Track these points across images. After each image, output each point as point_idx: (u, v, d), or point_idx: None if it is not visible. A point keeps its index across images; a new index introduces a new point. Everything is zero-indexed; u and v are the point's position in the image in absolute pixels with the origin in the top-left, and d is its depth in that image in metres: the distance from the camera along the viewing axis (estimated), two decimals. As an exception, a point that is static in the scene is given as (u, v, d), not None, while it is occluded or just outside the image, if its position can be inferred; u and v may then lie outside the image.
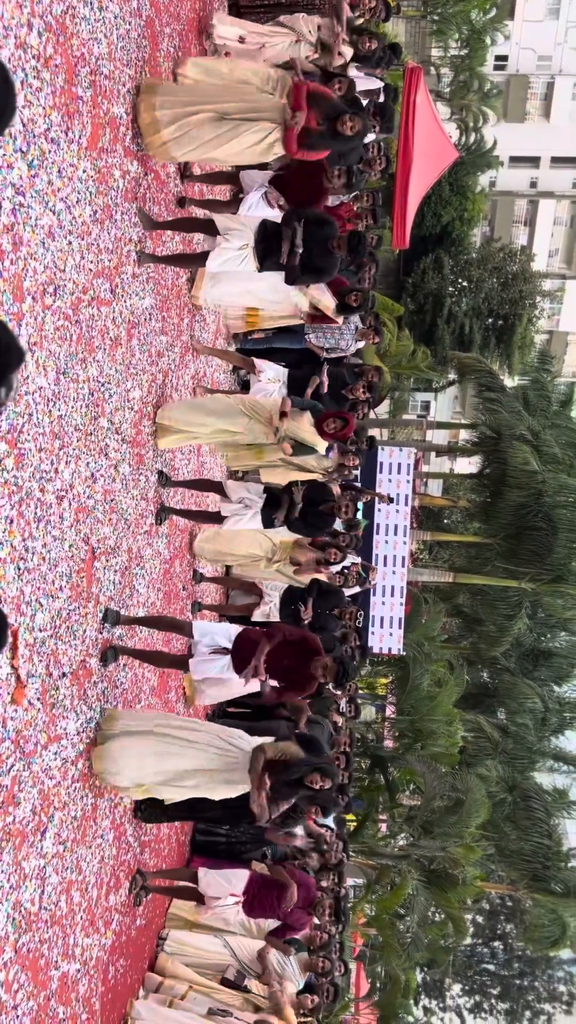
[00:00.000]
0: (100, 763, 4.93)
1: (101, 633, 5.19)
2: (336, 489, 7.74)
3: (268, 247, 6.09)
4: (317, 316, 7.37)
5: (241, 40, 7.15)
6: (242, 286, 7.18)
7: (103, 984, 5.35)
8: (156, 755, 5.05)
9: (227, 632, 5.78)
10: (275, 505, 7.10)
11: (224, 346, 8.63)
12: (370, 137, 7.75)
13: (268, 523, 7.18)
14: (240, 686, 7.15)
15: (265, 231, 6.15)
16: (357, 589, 9.78)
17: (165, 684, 6.85)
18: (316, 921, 6.63)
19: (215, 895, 6.23)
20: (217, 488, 7.29)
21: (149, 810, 5.93)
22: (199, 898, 6.33)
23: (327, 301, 7.13)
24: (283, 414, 6.75)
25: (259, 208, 6.25)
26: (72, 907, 4.81)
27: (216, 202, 6.94)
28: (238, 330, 8.58)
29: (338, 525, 7.91)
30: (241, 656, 5.65)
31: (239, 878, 6.34)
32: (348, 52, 7.78)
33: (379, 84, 8.55)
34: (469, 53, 30.83)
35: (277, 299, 7.21)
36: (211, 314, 7.94)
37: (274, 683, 5.57)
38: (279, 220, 6.22)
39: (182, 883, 6.69)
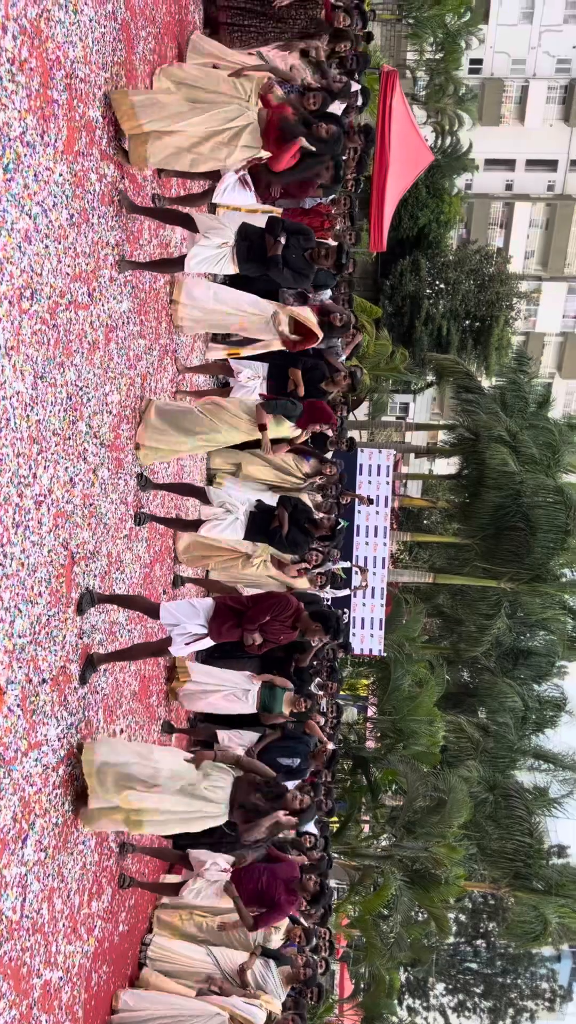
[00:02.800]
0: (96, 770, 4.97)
1: (81, 639, 5.17)
2: (317, 499, 7.77)
3: (250, 247, 6.09)
4: (299, 341, 7.37)
5: (215, 68, 7.20)
6: (218, 295, 7.19)
7: (86, 991, 5.32)
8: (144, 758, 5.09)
9: (196, 614, 5.72)
10: (261, 524, 7.08)
11: (203, 350, 8.63)
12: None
13: (251, 536, 7.16)
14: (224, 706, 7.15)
15: (246, 232, 6.15)
16: (347, 591, 9.80)
17: (146, 689, 6.83)
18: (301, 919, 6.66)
19: (204, 861, 6.29)
20: (199, 493, 7.27)
21: None
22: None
23: (308, 315, 7.17)
24: (262, 427, 6.73)
25: (234, 191, 6.24)
26: (54, 914, 4.79)
27: (192, 196, 6.93)
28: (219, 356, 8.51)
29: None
30: (219, 631, 5.66)
31: (225, 861, 6.42)
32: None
33: (356, 86, 8.58)
34: (444, 57, 30.98)
35: (258, 311, 7.21)
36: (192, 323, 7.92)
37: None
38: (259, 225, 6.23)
39: (165, 880, 6.72)
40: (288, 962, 6.52)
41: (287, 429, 6.97)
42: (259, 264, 6.20)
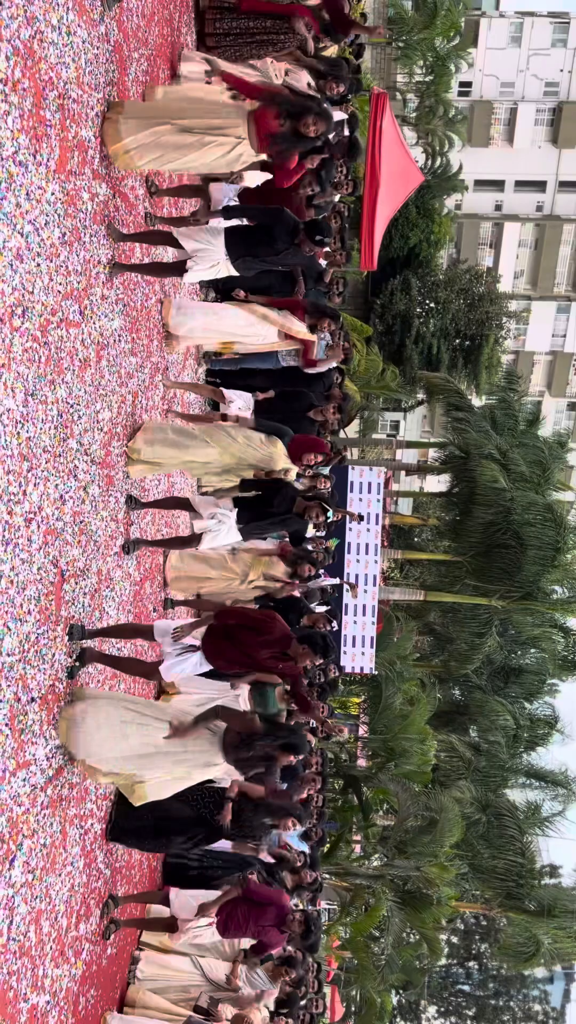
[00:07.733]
0: (76, 746, 4.90)
1: (70, 657, 5.14)
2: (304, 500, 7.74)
3: (238, 245, 6.06)
4: (291, 339, 7.41)
5: (208, 80, 7.24)
6: (212, 323, 7.23)
7: (73, 1016, 5.24)
8: (136, 726, 5.05)
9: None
10: (250, 510, 7.03)
11: (194, 368, 8.64)
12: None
13: (246, 533, 7.12)
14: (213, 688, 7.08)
15: (231, 237, 6.13)
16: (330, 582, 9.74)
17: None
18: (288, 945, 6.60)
19: (188, 916, 6.19)
20: (185, 505, 7.23)
21: (119, 827, 5.85)
22: (171, 928, 6.27)
23: (297, 326, 7.18)
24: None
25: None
26: (41, 937, 4.73)
27: (183, 219, 6.96)
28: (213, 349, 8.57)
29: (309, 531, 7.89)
30: (212, 649, 5.62)
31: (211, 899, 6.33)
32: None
33: (343, 116, 8.70)
34: (434, 79, 31.42)
35: (249, 332, 7.24)
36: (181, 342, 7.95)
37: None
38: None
39: (153, 915, 6.63)
40: (269, 957, 6.52)
41: (281, 457, 6.95)
42: (252, 260, 6.19)
